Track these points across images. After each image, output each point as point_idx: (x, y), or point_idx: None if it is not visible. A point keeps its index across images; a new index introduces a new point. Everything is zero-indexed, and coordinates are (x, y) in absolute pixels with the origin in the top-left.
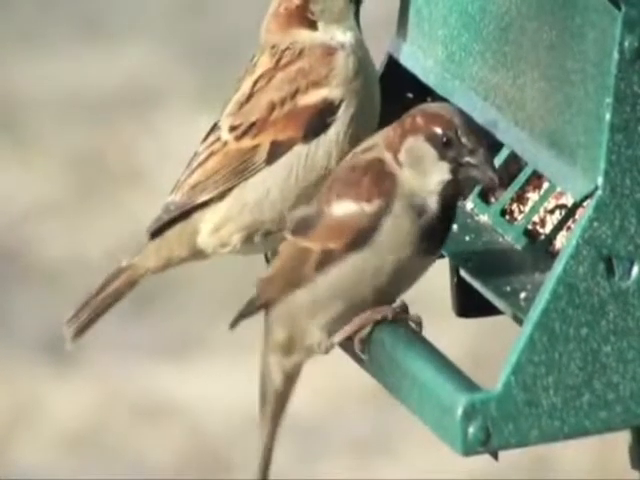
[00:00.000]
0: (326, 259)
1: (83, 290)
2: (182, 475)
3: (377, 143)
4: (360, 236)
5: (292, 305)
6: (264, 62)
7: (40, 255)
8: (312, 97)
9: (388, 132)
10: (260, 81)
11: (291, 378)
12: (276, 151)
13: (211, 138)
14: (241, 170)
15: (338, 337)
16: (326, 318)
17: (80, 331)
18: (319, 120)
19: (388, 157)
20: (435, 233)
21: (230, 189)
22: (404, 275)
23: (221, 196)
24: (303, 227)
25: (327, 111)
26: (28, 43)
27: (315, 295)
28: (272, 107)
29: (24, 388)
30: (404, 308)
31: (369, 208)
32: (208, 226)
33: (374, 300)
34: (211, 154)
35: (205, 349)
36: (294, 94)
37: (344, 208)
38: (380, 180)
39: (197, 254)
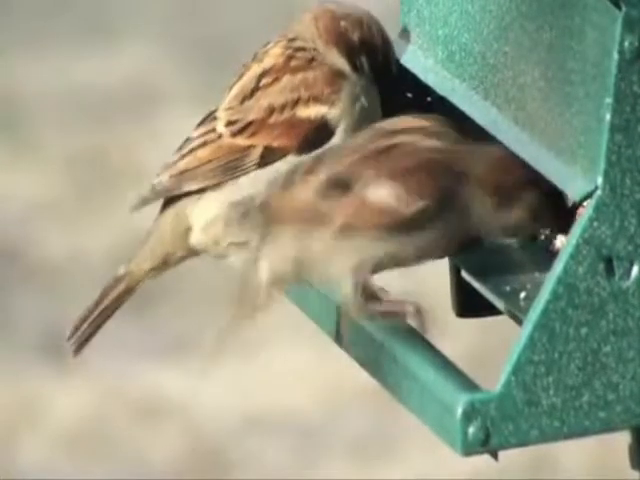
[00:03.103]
0: (348, 230)
1: (83, 290)
2: (182, 475)
3: (462, 156)
4: (391, 228)
5: (305, 240)
6: (275, 54)
7: (40, 255)
8: (312, 111)
9: (492, 169)
10: (266, 77)
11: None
12: (269, 156)
13: (207, 127)
14: (232, 167)
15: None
16: (342, 270)
17: (82, 345)
18: (315, 135)
19: (474, 180)
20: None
21: (220, 185)
22: (421, 260)
23: (211, 191)
24: (327, 189)
25: (324, 129)
26: (28, 43)
27: (331, 249)
28: (271, 110)
29: (24, 388)
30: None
31: (407, 210)
32: (200, 222)
33: (387, 265)
34: (204, 143)
35: (204, 349)
36: (295, 103)
37: (380, 197)
38: (437, 188)
39: (191, 251)
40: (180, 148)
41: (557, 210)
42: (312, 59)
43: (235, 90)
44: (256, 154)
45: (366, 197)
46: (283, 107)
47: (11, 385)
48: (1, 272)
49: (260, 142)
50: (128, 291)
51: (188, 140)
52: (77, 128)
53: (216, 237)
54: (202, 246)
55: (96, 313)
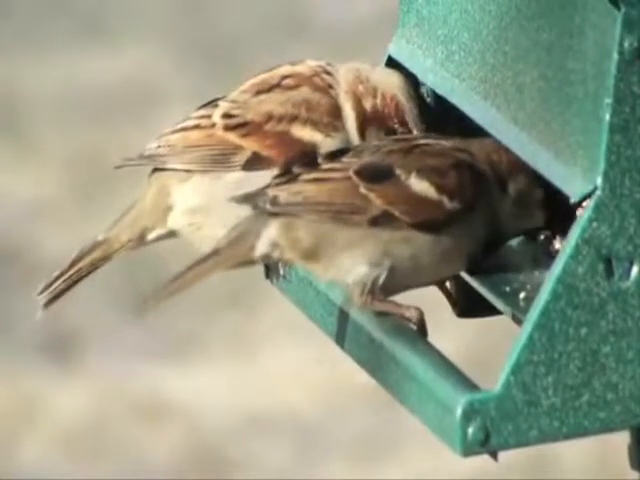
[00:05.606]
0: (385, 220)
1: (83, 290)
2: (182, 475)
3: (472, 152)
4: (428, 223)
5: (329, 232)
6: (307, 64)
7: (40, 255)
8: (306, 134)
9: (488, 154)
10: (290, 79)
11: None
12: (255, 163)
13: (205, 111)
14: (219, 160)
15: (375, 303)
16: (363, 259)
17: (52, 300)
18: (302, 158)
19: (488, 172)
20: (489, 248)
21: (204, 175)
22: (445, 267)
23: (195, 177)
24: (370, 173)
25: (312, 155)
26: (28, 43)
27: (360, 243)
28: (269, 117)
29: (25, 388)
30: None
31: (450, 205)
32: (180, 206)
33: (411, 274)
34: (197, 126)
35: (205, 349)
36: (292, 119)
37: (423, 188)
38: (472, 185)
39: (168, 231)
40: (176, 124)
41: (546, 197)
42: (331, 86)
43: (247, 85)
44: (244, 156)
45: (410, 186)
46: (281, 118)
47: (11, 385)
48: (1, 272)
49: (250, 146)
50: (104, 258)
51: (185, 119)
52: (77, 128)
53: (194, 224)
54: (179, 228)
55: (69, 272)
